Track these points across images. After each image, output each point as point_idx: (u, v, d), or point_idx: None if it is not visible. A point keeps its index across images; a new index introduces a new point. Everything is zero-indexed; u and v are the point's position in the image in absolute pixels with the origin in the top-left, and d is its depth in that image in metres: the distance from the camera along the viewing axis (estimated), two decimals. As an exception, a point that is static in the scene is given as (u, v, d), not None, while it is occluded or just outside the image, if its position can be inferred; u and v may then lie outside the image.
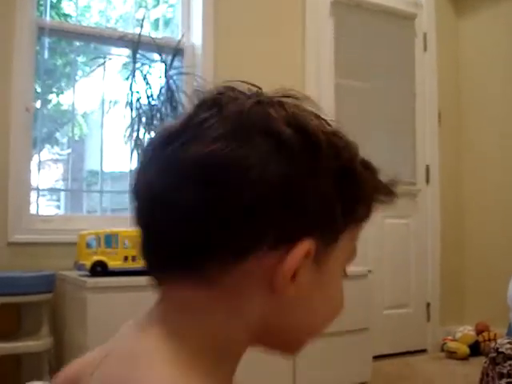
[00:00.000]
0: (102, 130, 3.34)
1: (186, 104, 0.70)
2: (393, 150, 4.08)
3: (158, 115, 3.05)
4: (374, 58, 4.05)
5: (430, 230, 4.19)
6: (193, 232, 0.54)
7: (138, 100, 3.06)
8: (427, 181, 4.22)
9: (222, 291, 0.56)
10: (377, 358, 3.65)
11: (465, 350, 3.86)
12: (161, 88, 3.17)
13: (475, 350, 3.88)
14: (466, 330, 4.03)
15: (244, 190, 0.53)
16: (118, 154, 3.34)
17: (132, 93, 3.07)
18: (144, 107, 3.08)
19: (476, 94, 4.40)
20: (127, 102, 3.05)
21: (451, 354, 3.89)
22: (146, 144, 0.65)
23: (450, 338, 4.06)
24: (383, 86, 4.07)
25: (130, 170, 3.30)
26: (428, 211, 4.20)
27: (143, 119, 3.05)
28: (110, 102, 3.37)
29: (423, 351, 4.08)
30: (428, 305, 4.16)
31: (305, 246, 0.56)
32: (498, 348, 2.22)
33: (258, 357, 2.35)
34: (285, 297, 0.57)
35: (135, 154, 3.02)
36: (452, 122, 4.40)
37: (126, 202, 3.47)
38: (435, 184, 4.24)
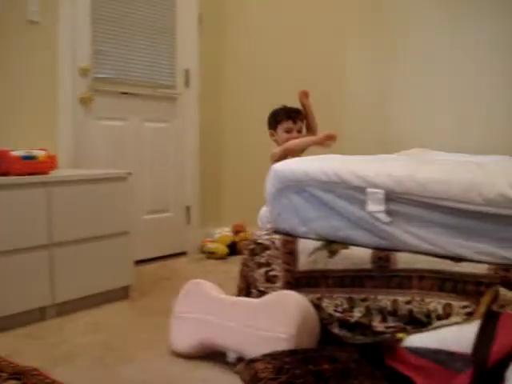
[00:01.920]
0: None
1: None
2: (152, 52, 3.93)
3: None
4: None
5: (189, 133, 4.19)
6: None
7: None
8: (187, 84, 4.17)
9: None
10: (139, 262, 3.68)
11: (223, 249, 4.02)
12: None
13: (233, 249, 4.07)
14: (224, 232, 4.20)
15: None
16: None
17: None
18: None
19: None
20: None
21: (210, 255, 4.02)
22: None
23: (209, 239, 4.19)
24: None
25: None
26: (187, 115, 4.18)
27: None
28: None
29: (183, 254, 4.17)
30: (188, 208, 4.21)
31: (282, 126, 3.01)
32: (256, 240, 2.29)
33: (15, 269, 2.15)
34: (276, 138, 3.03)
35: None
36: (213, 25, 4.38)
37: None
38: (195, 87, 4.21)
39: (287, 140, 2.95)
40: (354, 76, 3.93)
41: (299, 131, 3.04)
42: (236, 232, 4.20)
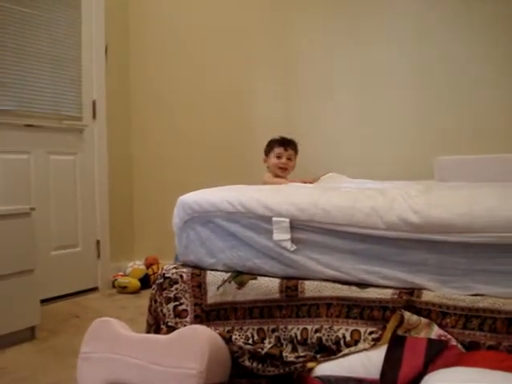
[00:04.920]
0: None
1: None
2: (57, 83, 3.82)
3: None
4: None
5: (97, 166, 4.08)
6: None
7: None
8: (94, 116, 4.08)
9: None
10: (49, 300, 3.56)
11: (135, 283, 3.92)
12: None
13: (146, 283, 3.97)
14: (136, 265, 4.10)
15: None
16: None
17: None
18: None
19: (144, 27, 4.39)
20: None
21: (123, 289, 3.91)
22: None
23: (120, 273, 4.09)
24: (47, 13, 3.74)
25: None
26: (95, 147, 4.07)
27: None
28: None
29: (95, 289, 4.03)
30: (98, 242, 4.09)
31: (273, 152, 3.32)
32: (164, 274, 2.24)
33: None
34: (268, 163, 3.36)
35: None
36: (120, 56, 4.33)
37: None
38: (102, 119, 4.12)
39: (275, 165, 3.31)
40: (262, 103, 3.98)
41: (289, 159, 3.32)
42: (148, 265, 4.11)
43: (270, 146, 3.37)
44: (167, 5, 4.31)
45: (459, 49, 3.45)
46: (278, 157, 3.31)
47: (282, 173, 3.32)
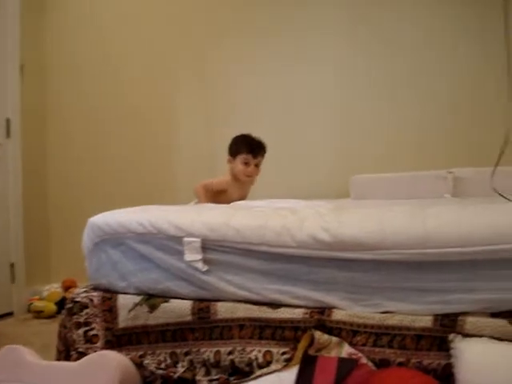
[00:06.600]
0: None
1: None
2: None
3: None
4: None
5: (11, 186, 3.93)
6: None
7: None
8: (8, 135, 3.94)
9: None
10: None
11: (51, 307, 3.80)
12: None
13: (63, 307, 3.82)
14: (53, 288, 3.98)
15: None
16: None
17: None
18: None
19: (59, 48, 4.31)
20: None
21: (39, 314, 3.78)
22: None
23: (36, 297, 3.95)
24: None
25: None
26: (9, 167, 3.92)
27: None
28: None
29: (10, 314, 3.87)
30: (12, 265, 3.93)
31: (241, 157, 3.01)
32: (73, 298, 2.18)
33: None
34: (232, 165, 3.06)
35: None
36: (35, 74, 4.23)
37: None
38: (16, 138, 3.98)
39: (243, 172, 3.03)
40: (185, 125, 3.97)
41: (257, 165, 3.06)
42: (66, 288, 3.99)
43: (238, 148, 3.07)
44: (85, 24, 4.25)
45: (383, 73, 3.55)
46: (246, 163, 3.03)
47: (247, 179, 3.10)
